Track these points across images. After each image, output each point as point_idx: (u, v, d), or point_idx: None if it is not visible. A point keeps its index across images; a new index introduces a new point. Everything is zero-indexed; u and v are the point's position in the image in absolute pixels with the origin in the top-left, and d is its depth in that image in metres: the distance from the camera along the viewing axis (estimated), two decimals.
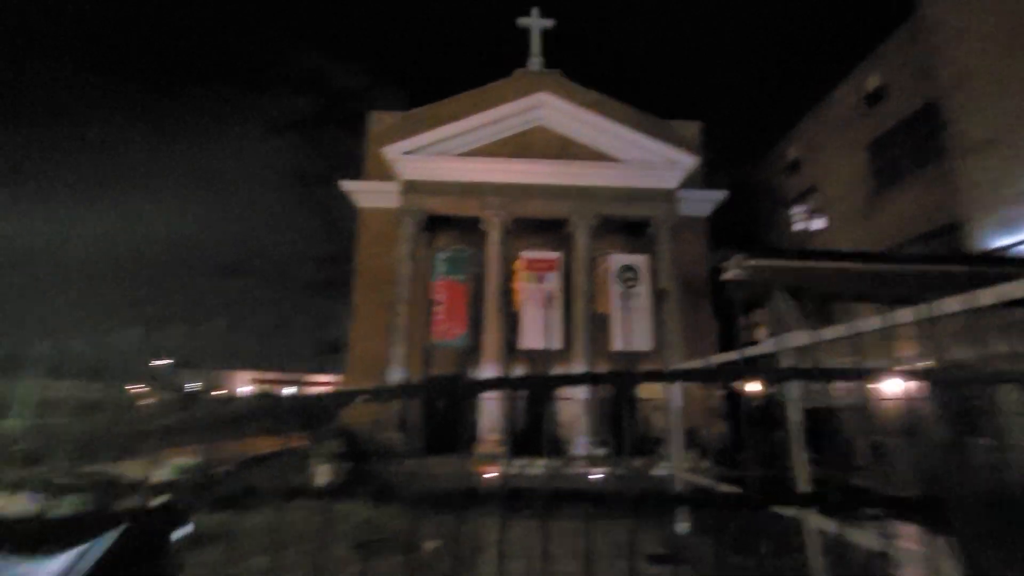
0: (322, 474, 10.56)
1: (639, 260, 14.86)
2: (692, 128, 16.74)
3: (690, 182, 15.38)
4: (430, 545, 5.95)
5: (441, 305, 14.32)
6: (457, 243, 14.99)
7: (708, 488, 6.58)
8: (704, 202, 15.98)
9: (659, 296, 14.21)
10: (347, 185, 15.78)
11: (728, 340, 14.71)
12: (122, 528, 1.43)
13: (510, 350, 13.86)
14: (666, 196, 14.86)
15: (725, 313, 15.30)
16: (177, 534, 1.58)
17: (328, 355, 15.88)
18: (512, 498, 1.54)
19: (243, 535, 6.02)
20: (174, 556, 1.57)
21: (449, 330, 14.12)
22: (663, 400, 11.96)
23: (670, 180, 14.93)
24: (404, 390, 5.23)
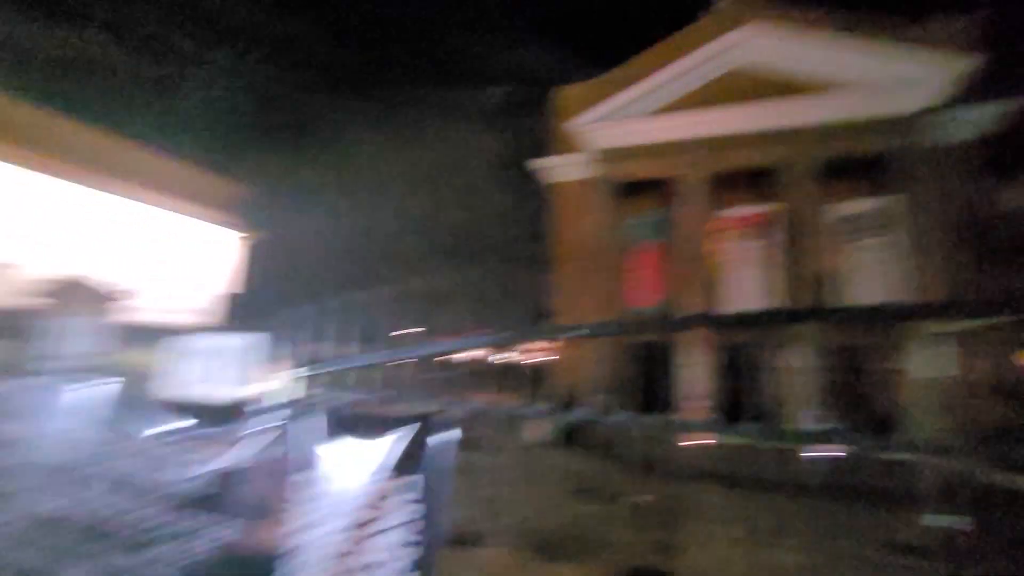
0: (533, 429, 11.63)
1: (875, 206, 12.35)
2: (953, 26, 12.92)
3: (951, 98, 12.00)
4: (640, 499, 6.17)
5: (637, 272, 14.21)
6: (653, 206, 14.54)
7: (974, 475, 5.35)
8: (972, 122, 12.33)
9: (905, 247, 11.66)
10: (537, 163, 16.58)
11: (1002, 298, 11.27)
12: (415, 426, 1.96)
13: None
14: (912, 122, 11.94)
15: (998, 265, 11.74)
16: (440, 439, 2.03)
17: (539, 325, 17.21)
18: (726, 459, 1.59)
19: (475, 472, 7.11)
20: (434, 454, 2.04)
21: (646, 296, 13.96)
22: (916, 371, 9.93)
23: (917, 100, 11.92)
24: (620, 327, 5.25)
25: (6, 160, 8.42)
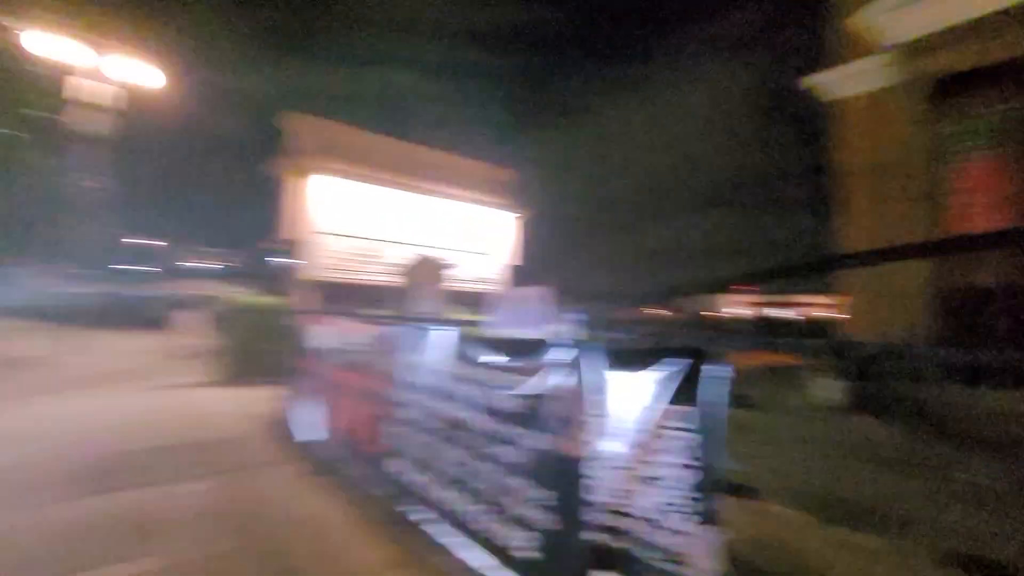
0: (821, 390, 10.28)
1: None
2: None
3: None
4: (970, 476, 4.99)
5: (964, 194, 10.77)
6: (988, 103, 10.68)
7: None
8: None
9: None
10: (813, 79, 13.92)
11: None
12: (689, 361, 2.21)
13: None
14: None
15: None
16: (712, 373, 2.20)
17: (815, 274, 15.00)
18: None
19: (751, 429, 6.87)
20: (707, 387, 2.21)
21: (980, 224, 10.50)
22: None
23: None
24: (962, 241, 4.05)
25: (357, 178, 11.83)
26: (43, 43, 13.53)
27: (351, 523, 4.23)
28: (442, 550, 3.48)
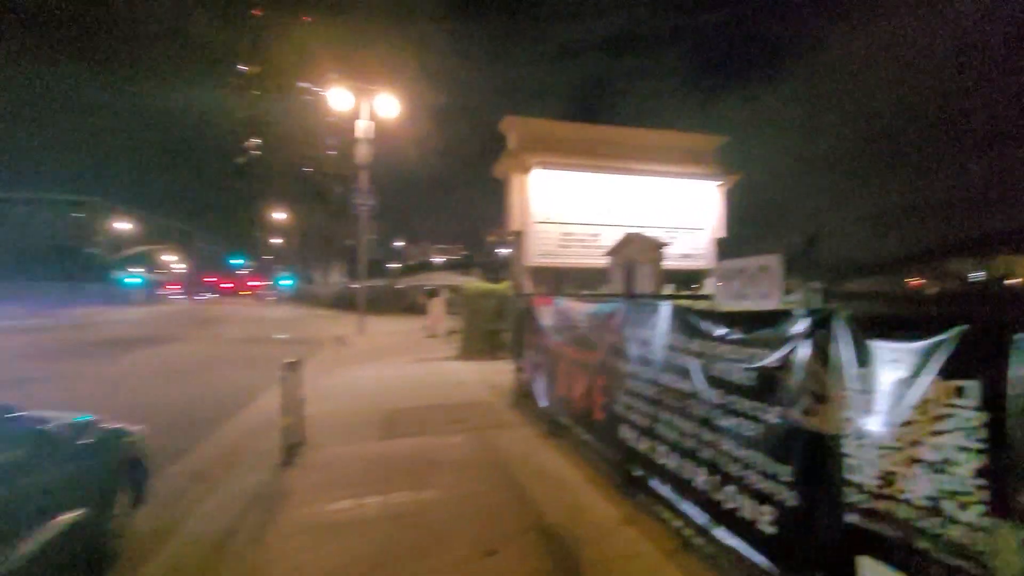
0: None
1: None
2: None
3: None
4: None
5: None
6: None
7: None
8: None
9: None
10: None
11: None
12: (964, 329, 1.90)
13: None
14: None
15: None
16: (998, 343, 1.83)
17: None
18: None
19: None
20: (991, 358, 1.84)
21: None
22: None
23: None
24: None
25: (569, 168, 12.46)
26: (335, 97, 17.76)
27: (586, 481, 4.68)
28: (675, 513, 3.61)
